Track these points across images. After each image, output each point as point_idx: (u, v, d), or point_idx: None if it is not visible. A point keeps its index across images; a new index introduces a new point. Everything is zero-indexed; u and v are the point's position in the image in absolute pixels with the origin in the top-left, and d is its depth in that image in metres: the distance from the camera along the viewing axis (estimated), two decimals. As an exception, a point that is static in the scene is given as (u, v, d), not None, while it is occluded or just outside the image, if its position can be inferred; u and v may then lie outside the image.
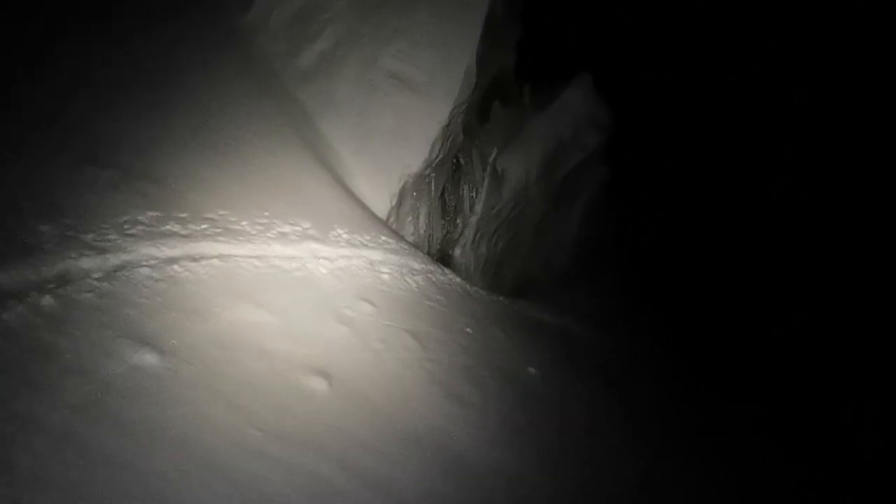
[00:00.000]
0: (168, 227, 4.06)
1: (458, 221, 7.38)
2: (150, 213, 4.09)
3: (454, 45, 6.23)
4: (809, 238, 13.69)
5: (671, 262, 12.62)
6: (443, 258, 7.02)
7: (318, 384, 3.32)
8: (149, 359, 2.82)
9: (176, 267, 3.70)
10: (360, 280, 4.71)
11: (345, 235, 5.18)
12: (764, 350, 10.63)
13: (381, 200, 6.42)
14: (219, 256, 4.04)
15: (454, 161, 6.94)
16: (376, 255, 5.18)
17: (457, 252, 7.35)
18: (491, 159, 7.12)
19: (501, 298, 6.28)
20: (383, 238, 5.52)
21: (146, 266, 3.56)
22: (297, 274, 4.34)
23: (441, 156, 6.53)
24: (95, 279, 3.25)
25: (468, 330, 4.96)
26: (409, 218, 6.82)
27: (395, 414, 3.50)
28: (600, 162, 8.75)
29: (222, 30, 6.52)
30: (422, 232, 6.94)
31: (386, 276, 4.95)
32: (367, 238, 5.36)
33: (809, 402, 8.90)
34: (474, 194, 7.30)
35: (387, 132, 6.43)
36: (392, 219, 6.56)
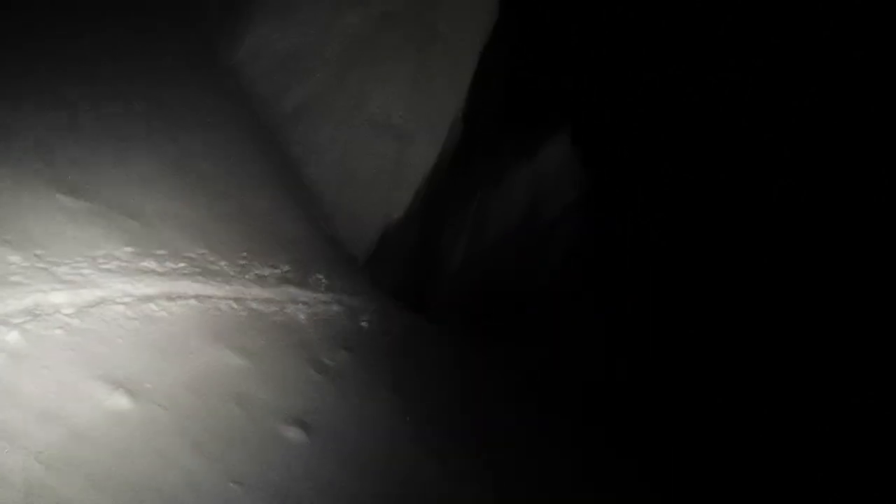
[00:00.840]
0: (145, 263, 3.93)
1: (436, 270, 7.34)
2: (127, 249, 3.95)
3: (442, 97, 6.35)
4: (809, 238, 13.27)
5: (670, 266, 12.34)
6: (419, 305, 6.94)
7: (296, 434, 3.19)
8: (123, 403, 2.67)
9: (152, 305, 3.56)
10: (339, 327, 4.61)
11: (324, 280, 5.09)
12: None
13: (360, 246, 6.37)
14: (196, 297, 3.90)
15: (435, 208, 6.95)
16: (356, 302, 5.09)
17: (434, 300, 7.29)
18: (475, 208, 7.17)
19: (479, 344, 6.21)
20: (363, 284, 5.45)
21: (121, 303, 3.41)
22: (276, 318, 4.22)
23: (424, 203, 6.55)
24: (66, 315, 3.09)
25: (446, 379, 4.87)
26: (387, 264, 6.76)
27: (374, 467, 3.37)
28: (576, 216, 8.90)
29: (208, 67, 6.51)
30: (399, 278, 6.87)
31: (366, 324, 4.85)
32: (347, 284, 5.28)
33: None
34: (455, 242, 7.31)
35: (369, 179, 6.44)
36: (370, 265, 6.50)
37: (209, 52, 6.63)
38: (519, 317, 8.49)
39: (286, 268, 4.89)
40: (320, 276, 5.12)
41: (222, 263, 4.45)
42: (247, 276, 4.47)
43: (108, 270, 3.64)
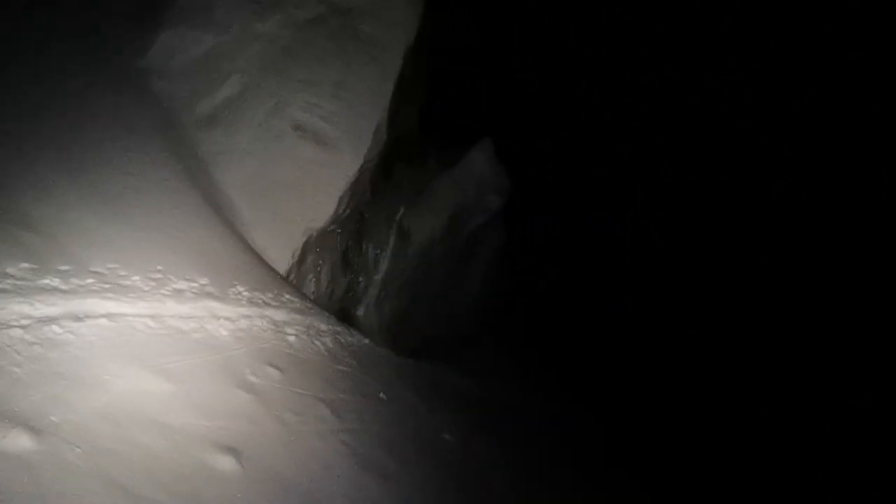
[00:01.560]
0: (46, 280, 3.52)
1: (360, 279, 7.14)
2: (24, 265, 3.54)
3: (365, 101, 6.17)
4: (809, 239, 13.42)
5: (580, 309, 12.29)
6: (345, 317, 6.71)
7: (227, 463, 2.93)
8: (22, 442, 2.34)
9: (55, 328, 3.18)
10: (265, 343, 4.34)
11: (245, 293, 4.80)
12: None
13: (281, 256, 6.08)
14: (107, 315, 3.54)
15: (358, 218, 6.77)
16: (280, 315, 4.83)
17: (360, 311, 7.08)
18: (397, 217, 7.03)
19: (410, 360, 6.07)
20: (286, 296, 5.18)
21: (17, 326, 3.03)
22: (196, 336, 3.91)
23: (347, 212, 6.34)
24: (-47, 343, 2.70)
25: (381, 395, 4.71)
26: (311, 275, 6.51)
27: (313, 492, 3.17)
28: (500, 224, 8.95)
29: (117, 70, 6.02)
30: (323, 290, 6.63)
31: (292, 339, 4.61)
32: (270, 296, 5.00)
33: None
34: (379, 252, 7.14)
35: (290, 185, 6.16)
36: (293, 275, 6.22)
37: (117, 53, 6.14)
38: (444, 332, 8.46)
39: (204, 281, 4.57)
40: (241, 289, 4.82)
41: (135, 278, 4.09)
42: (163, 291, 4.12)
43: (2, 290, 3.23)
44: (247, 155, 6.22)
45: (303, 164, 6.10)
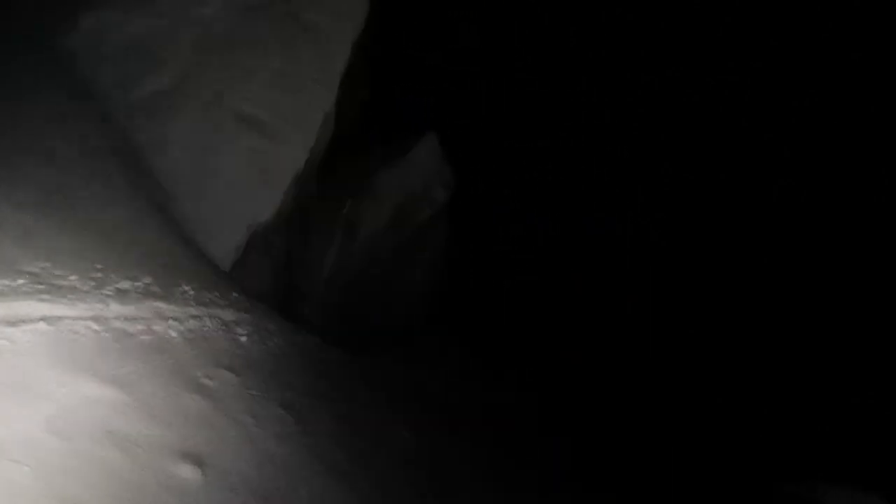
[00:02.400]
0: (-28, 282, 3.22)
1: (305, 275, 6.95)
2: (-54, 265, 3.22)
3: (312, 90, 5.98)
4: (809, 239, 13.51)
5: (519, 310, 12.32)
6: (291, 315, 6.52)
7: (189, 472, 2.79)
8: (-35, 462, 2.13)
9: (-12, 334, 2.91)
10: (217, 344, 4.15)
11: (191, 292, 4.57)
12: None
13: (223, 252, 5.83)
14: (45, 319, 3.27)
15: (303, 212, 6.57)
16: (229, 315, 4.63)
17: (306, 308, 6.90)
18: (344, 211, 6.88)
19: (361, 358, 5.97)
20: (234, 295, 4.97)
21: (-54, 334, 2.75)
22: (143, 338, 3.69)
23: (293, 206, 6.15)
24: None
25: (334, 395, 4.60)
26: (255, 272, 6.27)
27: (276, 496, 3.06)
28: (445, 218, 8.94)
29: (41, 51, 5.57)
30: (267, 287, 6.41)
31: (244, 339, 4.43)
32: (217, 295, 4.79)
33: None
34: (324, 247, 6.97)
35: (232, 178, 5.90)
36: (236, 272, 5.98)
37: (37, 31, 5.68)
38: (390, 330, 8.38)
39: (148, 280, 4.31)
40: (187, 288, 4.58)
41: (72, 278, 3.80)
42: (104, 292, 3.86)
43: (-76, 293, 2.93)
44: (186, 146, 5.90)
45: (246, 155, 5.85)
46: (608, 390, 10.30)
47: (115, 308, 3.79)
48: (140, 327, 3.75)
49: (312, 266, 6.94)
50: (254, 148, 5.87)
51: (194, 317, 4.28)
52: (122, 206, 4.99)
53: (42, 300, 3.42)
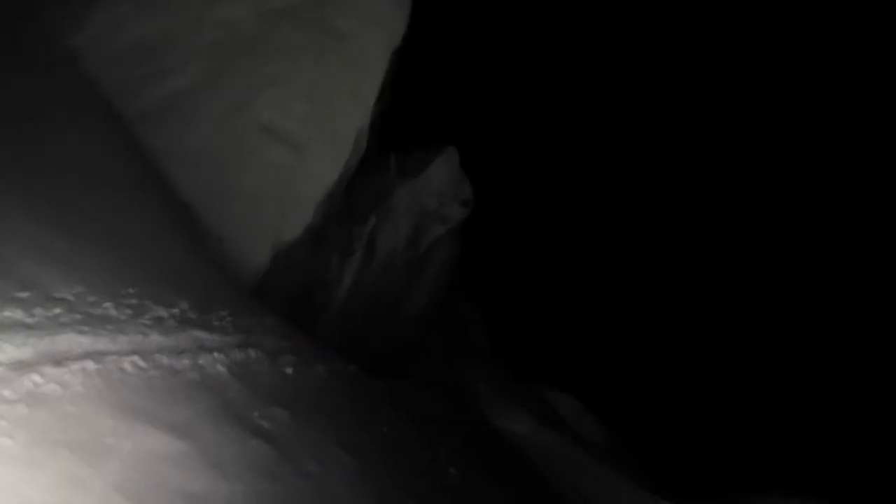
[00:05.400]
0: (7, 313, 2.80)
1: (322, 293, 6.56)
2: (-25, 294, 2.79)
3: (345, 103, 5.60)
4: (809, 240, 13.49)
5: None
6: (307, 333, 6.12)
7: (272, 537, 2.42)
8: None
9: (35, 377, 2.51)
10: (264, 378, 3.77)
11: (229, 318, 4.17)
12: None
13: (246, 272, 5.42)
14: (89, 355, 2.86)
15: (330, 230, 6.20)
16: (269, 343, 4.24)
17: (322, 327, 6.49)
18: (369, 229, 6.52)
19: (390, 383, 5.62)
20: (268, 320, 4.58)
21: (-13, 380, 2.34)
22: (191, 376, 3.29)
23: (320, 223, 5.76)
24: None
25: (384, 429, 4.25)
26: (276, 292, 5.86)
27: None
28: (455, 237, 8.63)
29: (47, 52, 5.10)
30: (287, 309, 6.00)
31: (289, 371, 4.05)
32: (252, 321, 4.39)
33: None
34: (342, 265, 6.59)
35: (256, 192, 5.50)
36: (256, 292, 5.57)
37: (48, 32, 5.22)
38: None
39: (184, 305, 3.90)
40: (223, 313, 4.18)
41: (107, 305, 3.38)
42: (142, 321, 3.45)
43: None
44: (202, 156, 5.48)
45: (272, 170, 5.44)
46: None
47: (156, 340, 3.38)
48: (186, 362, 3.35)
49: (331, 285, 6.55)
50: (280, 163, 5.46)
51: (237, 346, 3.88)
52: (145, 221, 4.56)
53: (82, 332, 3.00)
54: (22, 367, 2.53)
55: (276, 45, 5.62)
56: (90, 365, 2.78)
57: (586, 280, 13.85)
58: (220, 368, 3.53)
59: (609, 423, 11.06)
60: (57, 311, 3.05)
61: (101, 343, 3.03)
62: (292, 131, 5.55)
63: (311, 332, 6.54)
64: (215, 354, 3.62)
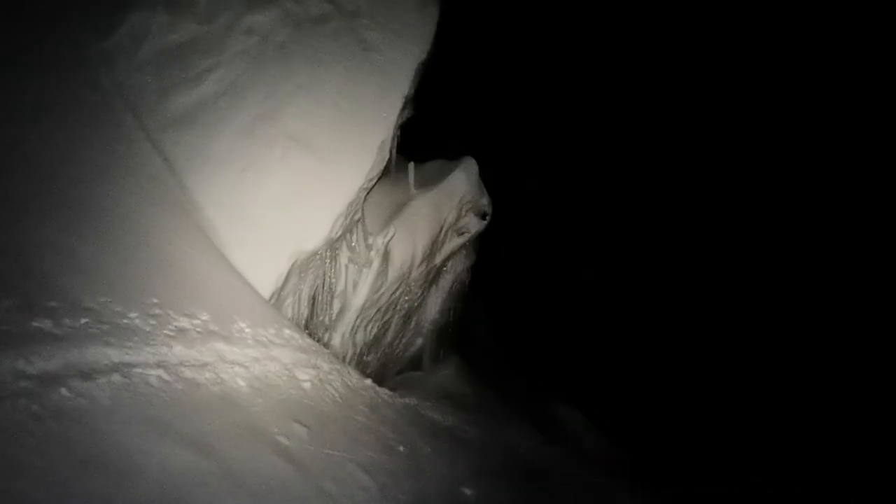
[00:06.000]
0: (36, 323, 2.79)
1: (336, 304, 6.54)
2: (7, 303, 2.78)
3: (370, 112, 5.59)
4: (809, 241, 13.54)
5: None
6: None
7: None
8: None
9: (63, 391, 2.50)
10: (283, 392, 3.75)
11: (248, 330, 4.16)
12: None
13: (264, 280, 5.40)
14: (116, 368, 2.85)
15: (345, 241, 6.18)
16: (286, 356, 4.22)
17: (335, 339, 6.46)
18: (387, 239, 6.48)
19: (405, 400, 5.59)
20: (286, 332, 4.56)
21: (21, 395, 2.32)
22: (214, 389, 3.28)
23: (340, 233, 5.74)
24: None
25: (400, 448, 4.21)
26: (289, 300, 5.85)
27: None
28: (472, 248, 8.60)
29: (72, 58, 5.12)
30: (301, 316, 5.99)
31: (307, 385, 4.03)
32: (272, 333, 4.38)
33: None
34: (358, 276, 6.57)
35: (277, 199, 5.48)
36: (273, 301, 5.56)
37: (74, 38, 5.24)
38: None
39: (205, 316, 3.89)
40: (243, 325, 4.17)
41: (132, 315, 3.37)
42: (166, 331, 3.44)
43: (-14, 339, 2.49)
44: (226, 163, 5.48)
45: (296, 178, 5.43)
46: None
47: (179, 352, 3.37)
48: (209, 376, 3.34)
49: (344, 294, 6.53)
50: (304, 171, 5.45)
51: (256, 359, 3.87)
52: (168, 228, 4.55)
53: (109, 344, 2.99)
54: (50, 381, 2.51)
55: (307, 54, 5.61)
56: (117, 379, 2.77)
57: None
58: (241, 382, 3.51)
59: (610, 434, 11.14)
60: (84, 320, 3.05)
61: (128, 355, 3.01)
62: (317, 140, 5.54)
63: (327, 341, 6.55)
64: (236, 368, 3.61)
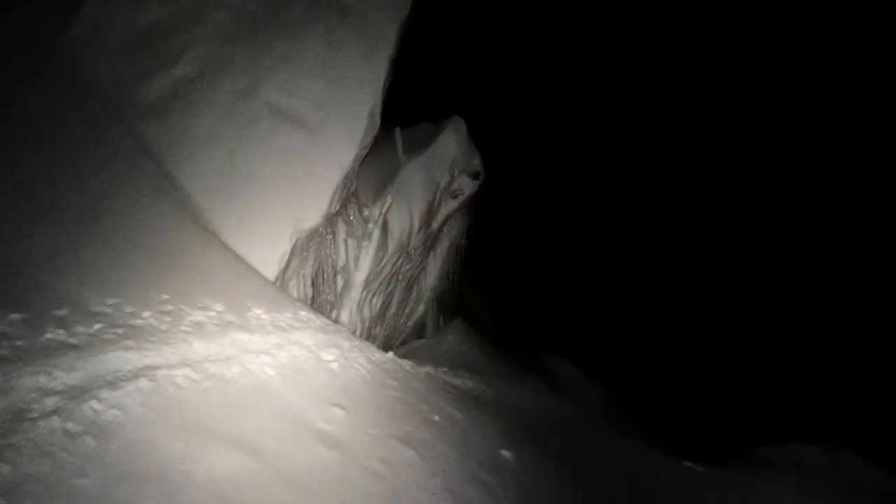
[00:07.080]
0: (48, 334, 2.59)
1: (340, 279, 6.36)
2: (14, 317, 2.57)
3: (356, 80, 5.30)
4: (810, 241, 13.64)
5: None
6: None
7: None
8: None
9: (95, 404, 2.31)
10: (314, 377, 3.59)
11: (265, 316, 3.98)
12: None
13: (266, 263, 5.19)
14: (141, 373, 2.67)
15: (345, 212, 5.96)
16: (308, 339, 4.06)
17: (343, 314, 6.31)
18: (384, 209, 6.27)
19: (425, 369, 5.48)
20: (302, 314, 4.39)
21: (51, 413, 2.14)
22: (244, 382, 3.11)
23: (338, 207, 5.53)
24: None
25: (435, 417, 4.11)
26: (293, 282, 5.66)
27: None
28: (467, 210, 8.41)
29: (42, 47, 4.75)
30: (308, 295, 5.81)
31: (335, 366, 3.88)
32: (288, 316, 4.21)
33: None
34: (358, 248, 6.37)
35: (271, 179, 5.23)
36: (278, 283, 5.36)
37: (35, 28, 4.85)
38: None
39: (220, 307, 3.70)
40: (259, 311, 3.99)
41: (146, 314, 3.18)
42: (182, 328, 3.25)
43: (2, 358, 2.29)
44: (210, 144, 5.19)
45: (285, 154, 5.18)
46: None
47: (200, 347, 3.19)
48: (236, 369, 3.17)
49: (346, 269, 6.34)
50: (294, 145, 5.19)
51: (279, 346, 3.71)
52: (163, 221, 4.31)
53: (127, 348, 2.80)
54: (78, 394, 2.33)
55: (282, 24, 5.29)
56: (145, 384, 2.59)
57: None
58: (270, 372, 3.35)
59: (607, 388, 11.32)
60: (98, 326, 2.85)
61: (149, 357, 2.83)
62: (305, 112, 5.27)
63: (335, 318, 6.39)
64: (262, 357, 3.44)
